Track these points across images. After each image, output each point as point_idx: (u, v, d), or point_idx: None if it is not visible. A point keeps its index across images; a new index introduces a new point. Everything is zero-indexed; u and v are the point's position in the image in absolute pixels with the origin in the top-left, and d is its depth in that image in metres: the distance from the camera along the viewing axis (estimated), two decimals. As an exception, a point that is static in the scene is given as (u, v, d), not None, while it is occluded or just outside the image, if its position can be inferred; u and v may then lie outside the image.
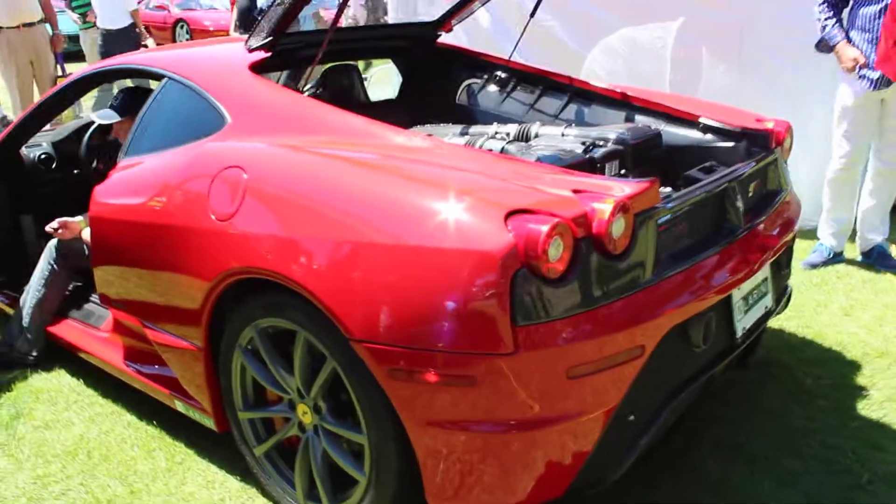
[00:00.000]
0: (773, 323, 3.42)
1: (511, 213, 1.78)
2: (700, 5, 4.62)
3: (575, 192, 1.88)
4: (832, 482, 2.38)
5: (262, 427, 2.38)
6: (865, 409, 2.78)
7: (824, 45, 3.91)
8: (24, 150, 3.60)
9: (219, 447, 2.61)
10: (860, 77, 3.70)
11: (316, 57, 2.52)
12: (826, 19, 3.85)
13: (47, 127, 3.78)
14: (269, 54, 2.75)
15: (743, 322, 2.31)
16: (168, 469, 2.57)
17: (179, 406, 2.61)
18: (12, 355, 3.25)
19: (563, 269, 1.77)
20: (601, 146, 2.54)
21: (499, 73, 3.42)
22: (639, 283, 1.91)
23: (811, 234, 4.27)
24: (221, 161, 2.29)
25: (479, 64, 3.48)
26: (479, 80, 3.48)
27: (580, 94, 3.21)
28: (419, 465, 1.93)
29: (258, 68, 2.73)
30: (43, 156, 3.65)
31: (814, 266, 4.05)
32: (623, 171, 2.62)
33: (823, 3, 3.85)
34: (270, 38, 2.68)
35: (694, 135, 2.84)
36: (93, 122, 3.57)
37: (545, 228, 1.72)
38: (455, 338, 1.78)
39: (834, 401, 2.83)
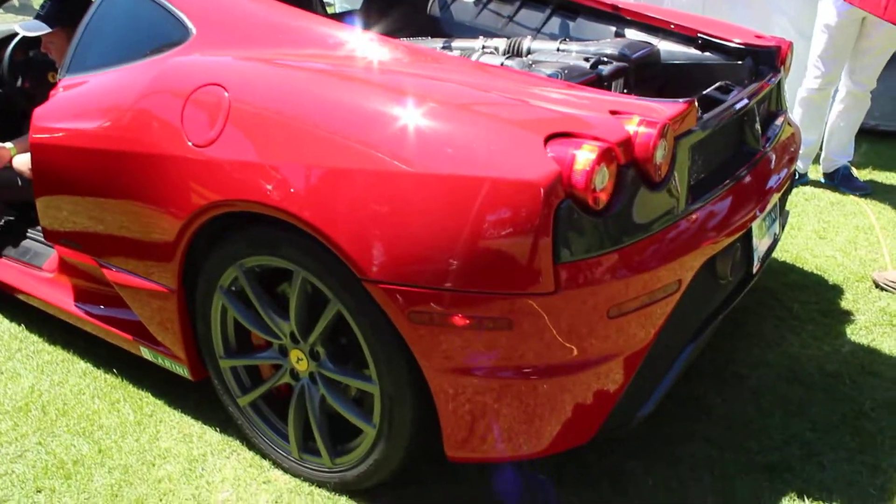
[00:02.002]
0: (752, 248, 3.38)
1: (550, 137, 1.58)
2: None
3: (612, 113, 1.69)
4: (837, 410, 2.34)
5: (247, 375, 2.16)
6: (854, 334, 2.76)
7: None
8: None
9: (191, 396, 2.39)
10: (841, -8, 3.59)
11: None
12: None
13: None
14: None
15: (758, 251, 2.21)
16: (137, 422, 2.34)
17: (146, 353, 2.36)
18: (-61, 300, 2.89)
19: (608, 198, 1.60)
20: (607, 62, 2.34)
21: (473, -19, 3.15)
22: (677, 214, 1.76)
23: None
24: (195, 78, 1.99)
25: (451, -29, 3.19)
26: (450, -10, 3.21)
27: (564, 5, 2.98)
28: (438, 414, 1.77)
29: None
30: (-44, 72, 3.19)
31: (782, 189, 4.01)
32: (626, 90, 2.44)
33: None
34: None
35: (692, 52, 2.67)
36: (14, 36, 3.13)
37: (593, 155, 1.53)
38: (489, 277, 1.59)
39: (823, 326, 2.81)
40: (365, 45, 2.04)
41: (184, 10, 2.23)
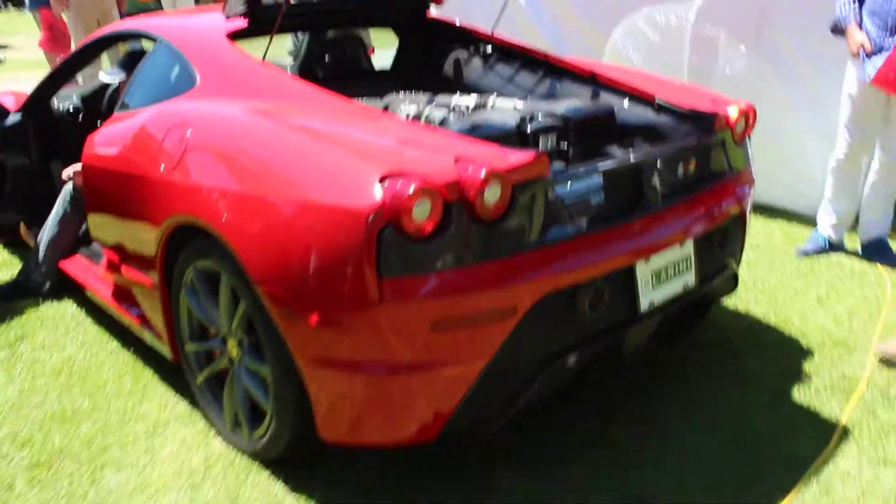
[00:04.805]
0: (741, 306, 3.46)
1: (387, 176, 1.94)
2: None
3: (457, 160, 2.02)
4: (738, 462, 2.43)
5: (204, 358, 2.63)
6: (800, 394, 2.80)
7: (837, 28, 3.82)
8: (54, 102, 3.96)
9: (179, 378, 2.88)
10: (863, 62, 3.61)
11: (273, 27, 2.71)
12: (845, 2, 3.75)
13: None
14: (246, 23, 2.96)
15: (650, 296, 2.39)
16: (131, 391, 2.88)
17: (147, 337, 2.90)
18: (28, 285, 3.63)
19: (432, 229, 1.92)
20: (537, 120, 2.64)
21: (482, 47, 3.54)
22: (515, 248, 2.04)
23: (812, 221, 4.22)
24: (175, 117, 2.54)
25: (465, 38, 3.60)
26: (465, 54, 3.61)
27: (554, 69, 3.30)
28: (310, 399, 2.14)
29: (238, 35, 2.95)
30: (71, 108, 4.00)
31: (806, 254, 4.02)
32: (563, 146, 2.73)
33: None
34: (246, 7, 2.89)
35: (648, 114, 2.90)
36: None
37: (410, 190, 1.88)
38: (332, 284, 1.96)
39: (773, 384, 2.86)
40: (306, 97, 2.49)
41: (195, 64, 2.80)
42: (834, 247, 4.05)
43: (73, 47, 6.83)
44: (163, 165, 2.47)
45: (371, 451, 2.39)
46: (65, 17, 6.85)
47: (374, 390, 2.04)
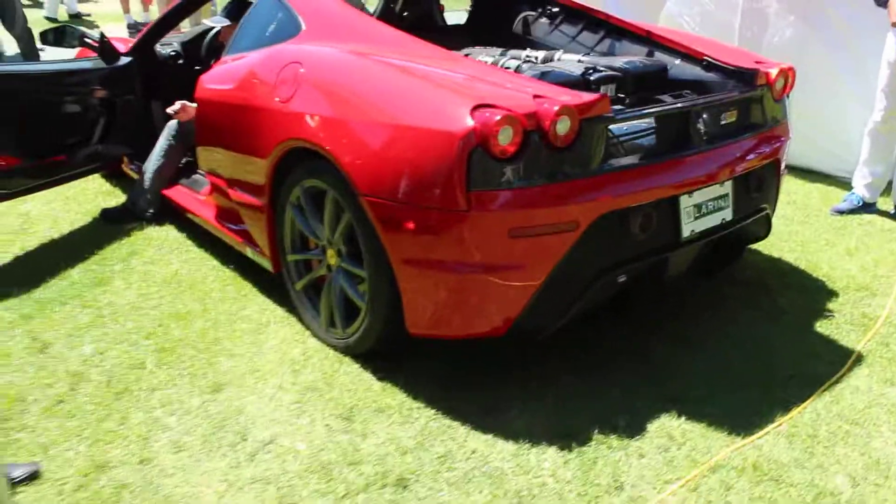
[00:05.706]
0: (775, 253, 3.79)
1: (478, 106, 2.33)
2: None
3: (535, 97, 2.40)
4: (756, 374, 2.80)
5: (303, 267, 3.06)
6: (823, 327, 3.15)
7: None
8: (157, 48, 4.41)
9: (276, 288, 3.31)
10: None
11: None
12: None
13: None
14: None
15: (692, 225, 2.75)
16: (234, 298, 3.33)
17: (249, 252, 3.34)
18: (135, 210, 4.10)
19: (514, 151, 2.31)
20: (600, 71, 3.00)
21: (549, 7, 3.88)
22: (580, 172, 2.42)
23: (849, 185, 4.51)
24: (288, 57, 2.94)
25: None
26: (533, 13, 3.96)
27: (614, 30, 3.64)
28: (401, 296, 2.55)
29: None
30: (173, 53, 4.44)
31: (840, 212, 4.32)
32: (621, 95, 3.08)
33: None
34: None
35: (697, 71, 3.24)
36: (213, 28, 4.32)
37: (497, 118, 2.26)
38: (427, 195, 2.37)
39: (798, 318, 3.22)
40: (398, 42, 2.88)
41: (300, 12, 3.21)
42: (867, 206, 4.34)
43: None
44: (277, 98, 2.88)
45: (447, 345, 2.79)
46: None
47: (458, 288, 2.45)
